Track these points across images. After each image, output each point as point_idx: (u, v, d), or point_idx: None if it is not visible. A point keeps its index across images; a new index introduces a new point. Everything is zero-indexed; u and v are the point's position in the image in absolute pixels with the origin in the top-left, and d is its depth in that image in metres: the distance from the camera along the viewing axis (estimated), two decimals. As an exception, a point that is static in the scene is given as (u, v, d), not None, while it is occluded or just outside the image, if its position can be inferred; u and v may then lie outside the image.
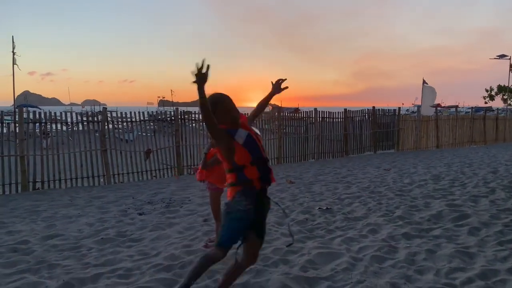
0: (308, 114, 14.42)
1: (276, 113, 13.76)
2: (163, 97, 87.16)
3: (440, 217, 5.52)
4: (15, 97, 33.88)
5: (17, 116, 9.08)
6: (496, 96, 18.31)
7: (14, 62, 32.15)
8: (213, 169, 4.20)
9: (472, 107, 24.17)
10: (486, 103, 20.01)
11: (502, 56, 27.67)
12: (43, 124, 9.50)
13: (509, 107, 23.14)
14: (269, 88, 3.44)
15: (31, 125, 9.29)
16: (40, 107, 35.22)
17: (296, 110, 29.28)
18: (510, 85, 17.40)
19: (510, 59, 25.83)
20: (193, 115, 12.28)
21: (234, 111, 2.93)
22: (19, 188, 8.87)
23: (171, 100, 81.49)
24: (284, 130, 13.81)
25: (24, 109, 10.25)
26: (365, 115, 15.88)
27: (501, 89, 17.50)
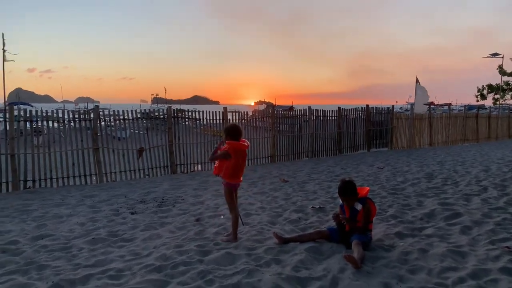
0: (302, 112, 14.41)
1: (270, 111, 13.74)
2: (157, 95, 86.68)
3: (432, 216, 5.53)
4: (7, 95, 33.90)
5: (7, 114, 8.96)
6: (487, 95, 18.43)
7: (4, 59, 32.19)
8: (221, 165, 4.58)
9: (465, 105, 24.23)
10: (477, 101, 20.13)
11: (495, 55, 27.85)
12: (34, 122, 9.39)
13: (501, 105, 23.31)
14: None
15: (22, 123, 9.18)
16: (32, 104, 34.98)
17: (291, 108, 29.27)
18: (501, 83, 17.52)
19: (502, 57, 25.99)
20: (186, 113, 12.23)
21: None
22: (10, 187, 8.76)
23: (164, 98, 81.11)
24: (278, 128, 13.79)
25: (16, 106, 10.13)
26: (359, 113, 15.90)
27: (491, 88, 17.58)
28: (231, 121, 12.46)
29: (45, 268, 4.01)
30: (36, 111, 9.45)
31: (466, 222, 5.11)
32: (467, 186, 7.55)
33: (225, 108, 12.36)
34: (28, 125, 9.34)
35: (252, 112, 16.37)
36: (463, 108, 22.20)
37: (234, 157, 4.52)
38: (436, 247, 4.24)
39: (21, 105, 26.25)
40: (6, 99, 33.35)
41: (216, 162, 4.72)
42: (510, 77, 13.84)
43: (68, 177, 9.49)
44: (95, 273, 3.81)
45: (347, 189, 4.37)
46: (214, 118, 12.03)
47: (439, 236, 4.64)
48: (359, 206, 4.35)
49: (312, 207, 6.24)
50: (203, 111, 11.93)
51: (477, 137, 20.30)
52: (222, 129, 11.99)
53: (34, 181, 9.08)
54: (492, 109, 24.38)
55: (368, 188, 4.67)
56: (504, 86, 17.42)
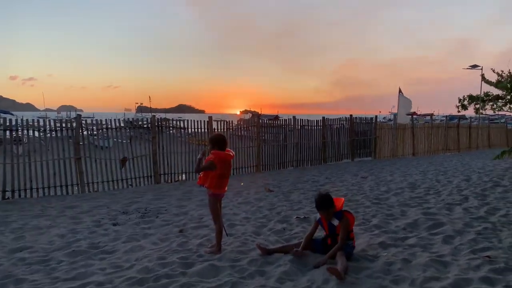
0: (287, 121, 14.47)
1: (255, 120, 13.75)
2: (141, 104, 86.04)
3: (415, 226, 5.58)
4: (-14, 103, 33.23)
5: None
6: (468, 106, 18.84)
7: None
8: (206, 175, 4.52)
9: (446, 116, 24.72)
10: (459, 111, 20.59)
11: (474, 66, 28.61)
12: (14, 131, 9.18)
13: (481, 116, 23.83)
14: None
15: (1, 132, 8.97)
16: (13, 112, 34.20)
17: (276, 117, 29.38)
18: (481, 94, 18.01)
19: (482, 69, 26.66)
20: (171, 122, 12.14)
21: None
22: (-12, 198, 8.53)
23: (149, 106, 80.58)
24: (263, 138, 13.80)
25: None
26: (343, 123, 16.05)
27: (472, 98, 18.04)
28: (216, 130, 12.41)
29: (22, 282, 3.90)
30: (16, 120, 9.26)
31: (448, 231, 5.17)
32: (449, 195, 7.65)
33: (210, 117, 12.33)
34: (8, 134, 9.14)
35: (238, 121, 16.37)
36: (444, 118, 22.60)
37: (220, 167, 4.49)
38: (419, 257, 4.27)
39: (1, 113, 25.66)
40: (-15, 107, 32.61)
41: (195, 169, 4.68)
42: (492, 86, 14.17)
43: (49, 187, 9.29)
44: (75, 286, 3.72)
45: (324, 202, 4.36)
46: (199, 127, 11.98)
47: (422, 246, 4.68)
48: (336, 222, 4.35)
49: (297, 217, 6.24)
50: (188, 120, 11.87)
51: (458, 147, 20.68)
52: (207, 138, 11.95)
53: (13, 191, 8.86)
54: (472, 120, 24.88)
55: (343, 199, 4.62)
56: (484, 97, 17.89)
